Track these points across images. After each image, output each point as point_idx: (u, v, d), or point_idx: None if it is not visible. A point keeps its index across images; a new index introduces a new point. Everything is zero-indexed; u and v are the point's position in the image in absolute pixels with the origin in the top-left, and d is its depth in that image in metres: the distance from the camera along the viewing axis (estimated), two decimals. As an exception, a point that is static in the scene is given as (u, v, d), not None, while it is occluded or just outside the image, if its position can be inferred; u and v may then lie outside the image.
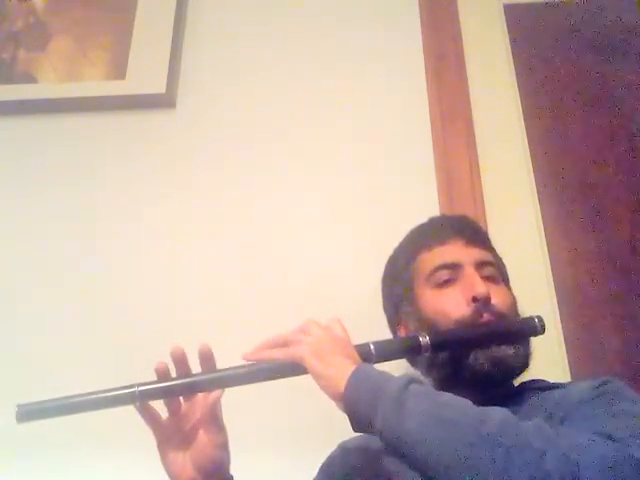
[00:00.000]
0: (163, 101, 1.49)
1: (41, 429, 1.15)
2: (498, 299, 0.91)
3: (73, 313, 1.29)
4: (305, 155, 1.43)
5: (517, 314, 0.95)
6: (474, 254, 0.95)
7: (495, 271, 0.96)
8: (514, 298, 0.97)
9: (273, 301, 1.25)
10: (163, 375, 0.82)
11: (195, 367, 0.84)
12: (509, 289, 0.99)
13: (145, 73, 1.50)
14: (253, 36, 1.57)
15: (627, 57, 1.53)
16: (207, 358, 0.84)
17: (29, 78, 1.54)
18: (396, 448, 0.70)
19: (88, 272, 1.33)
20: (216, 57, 1.56)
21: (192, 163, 1.44)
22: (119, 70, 1.51)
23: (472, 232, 1.00)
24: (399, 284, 1.00)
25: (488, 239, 1.03)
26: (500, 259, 1.02)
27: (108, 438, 1.16)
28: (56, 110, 1.50)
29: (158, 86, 1.48)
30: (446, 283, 0.93)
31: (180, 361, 0.83)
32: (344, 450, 0.97)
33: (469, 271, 0.93)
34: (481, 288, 0.89)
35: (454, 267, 0.94)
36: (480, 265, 0.94)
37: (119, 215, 1.38)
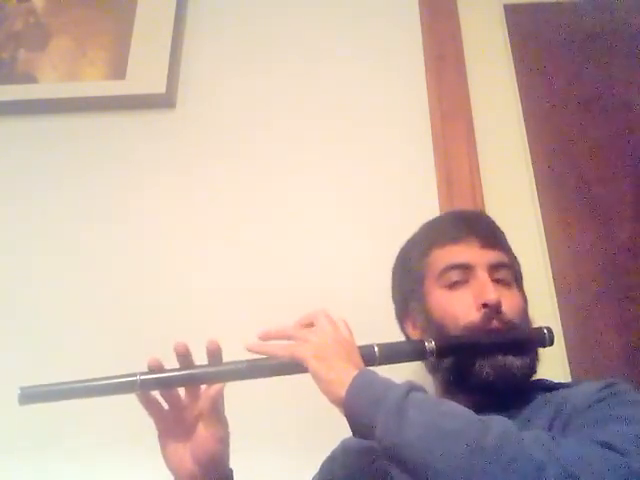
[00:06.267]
0: (163, 101, 1.49)
1: (37, 427, 1.16)
2: (508, 305, 0.89)
3: (77, 308, 1.29)
4: (305, 155, 1.43)
5: (527, 318, 0.93)
6: (488, 256, 0.93)
7: (509, 274, 0.94)
8: (525, 302, 0.95)
9: (275, 300, 1.25)
10: (157, 368, 0.82)
11: (199, 359, 0.85)
12: (521, 290, 0.97)
13: (145, 73, 1.50)
14: (253, 36, 1.57)
15: (627, 56, 1.53)
16: (214, 354, 0.84)
17: (29, 78, 1.53)
18: (395, 457, 0.69)
19: (88, 270, 1.33)
20: (216, 57, 1.56)
21: (192, 163, 1.44)
22: (119, 70, 1.51)
23: (487, 232, 0.97)
24: (410, 278, 0.99)
25: (504, 238, 1.00)
26: (515, 259, 0.99)
27: (105, 437, 1.16)
28: (56, 110, 1.50)
29: (158, 86, 1.48)
30: (457, 284, 0.91)
31: (183, 357, 0.83)
32: (346, 448, 0.97)
33: (481, 274, 0.91)
34: (492, 294, 0.87)
35: (466, 268, 0.92)
36: (493, 268, 0.92)
37: (119, 214, 1.38)
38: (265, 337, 0.84)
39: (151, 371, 0.82)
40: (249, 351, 0.83)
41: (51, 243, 1.36)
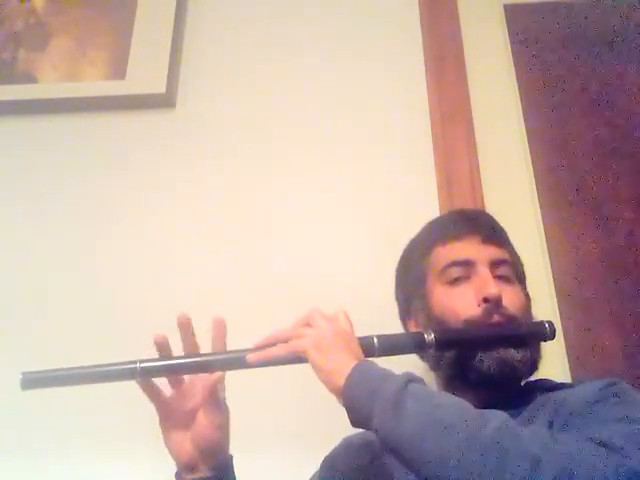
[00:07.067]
0: (163, 101, 1.49)
1: (37, 427, 1.17)
2: (510, 300, 0.90)
3: (77, 305, 1.30)
4: (305, 155, 1.43)
5: (530, 315, 0.93)
6: (489, 252, 0.93)
7: (510, 270, 0.94)
8: (527, 299, 0.95)
9: (275, 299, 1.26)
10: (162, 347, 0.84)
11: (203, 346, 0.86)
12: (524, 288, 0.97)
13: (145, 73, 1.50)
14: (253, 36, 1.57)
15: (627, 57, 1.53)
16: (219, 328, 0.86)
17: (29, 78, 1.54)
18: (392, 447, 0.70)
19: (88, 269, 1.33)
20: (216, 57, 1.56)
21: (192, 163, 1.44)
22: (119, 70, 1.51)
23: (489, 229, 0.98)
24: (412, 276, 0.99)
25: (506, 236, 1.00)
26: (517, 257, 1.00)
27: (105, 436, 1.16)
28: (56, 110, 1.50)
29: (158, 86, 1.48)
30: (458, 281, 0.92)
31: (185, 329, 0.85)
32: (348, 445, 0.97)
33: (482, 270, 0.91)
34: (493, 289, 0.88)
35: (467, 264, 0.92)
36: (494, 264, 0.92)
37: (119, 214, 1.38)
38: (264, 344, 0.84)
39: (151, 359, 0.83)
40: (250, 362, 0.83)
41: (51, 243, 1.36)
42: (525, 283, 0.99)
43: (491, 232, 0.97)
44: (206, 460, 0.84)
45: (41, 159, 1.46)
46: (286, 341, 0.82)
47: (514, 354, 0.86)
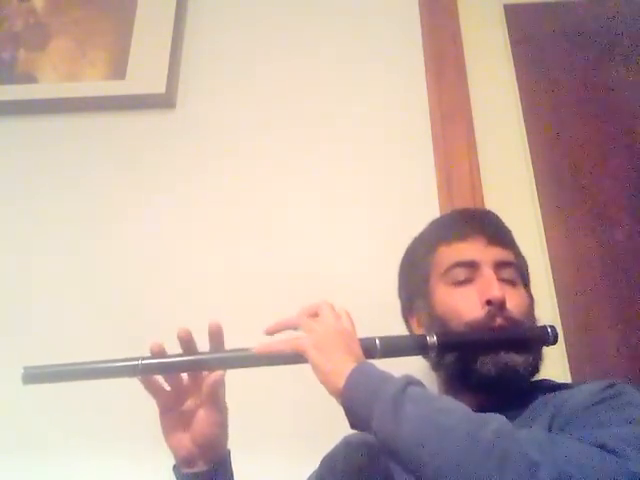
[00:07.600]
0: (163, 101, 1.49)
1: (36, 427, 1.17)
2: (513, 304, 0.89)
3: (77, 303, 1.30)
4: (305, 155, 1.43)
5: (533, 318, 0.93)
6: (494, 254, 0.92)
7: (514, 273, 0.93)
8: (531, 302, 0.94)
9: (274, 300, 1.25)
10: (159, 353, 0.84)
11: (202, 346, 0.86)
12: (528, 291, 0.96)
13: (145, 73, 1.50)
14: (253, 36, 1.57)
15: (627, 57, 1.53)
16: (216, 335, 0.86)
17: (29, 78, 1.54)
18: (390, 450, 0.70)
19: (88, 269, 1.33)
20: (216, 57, 1.56)
21: (192, 163, 1.44)
22: (119, 70, 1.51)
23: (495, 230, 0.97)
24: (415, 275, 0.98)
25: (511, 238, 0.99)
26: (523, 259, 0.99)
27: (105, 436, 1.16)
28: (56, 110, 1.51)
29: (158, 86, 1.48)
30: (462, 282, 0.91)
31: (186, 342, 0.85)
32: (348, 445, 0.97)
33: (486, 272, 0.90)
34: (496, 291, 0.87)
35: (471, 266, 0.91)
36: (499, 266, 0.92)
37: (119, 214, 1.38)
38: (272, 331, 0.86)
39: (153, 356, 0.84)
40: (256, 352, 0.84)
41: (51, 243, 1.36)
42: (529, 285, 0.98)
43: (496, 233, 0.96)
44: (204, 455, 0.85)
45: (41, 159, 1.46)
46: (294, 328, 0.84)
47: (516, 358, 0.86)
